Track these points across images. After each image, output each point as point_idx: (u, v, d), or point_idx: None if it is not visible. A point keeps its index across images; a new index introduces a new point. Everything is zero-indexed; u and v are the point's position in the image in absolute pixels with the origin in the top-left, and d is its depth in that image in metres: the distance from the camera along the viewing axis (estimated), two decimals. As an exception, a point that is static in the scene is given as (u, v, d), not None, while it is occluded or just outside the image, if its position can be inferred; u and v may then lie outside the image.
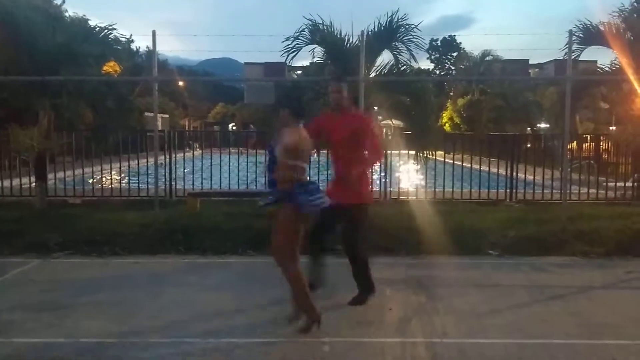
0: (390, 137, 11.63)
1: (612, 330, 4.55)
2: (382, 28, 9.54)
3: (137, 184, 11.88)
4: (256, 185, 11.21)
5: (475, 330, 4.54)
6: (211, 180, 11.11)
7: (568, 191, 9.58)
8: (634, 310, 5.13)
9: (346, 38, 9.68)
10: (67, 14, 13.86)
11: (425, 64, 56.43)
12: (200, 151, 13.38)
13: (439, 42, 60.38)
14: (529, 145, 14.88)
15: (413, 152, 10.49)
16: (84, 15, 11.84)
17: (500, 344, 4.26)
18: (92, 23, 10.55)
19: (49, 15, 10.56)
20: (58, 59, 9.27)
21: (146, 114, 22.02)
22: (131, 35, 11.83)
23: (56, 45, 9.31)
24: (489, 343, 4.27)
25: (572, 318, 4.83)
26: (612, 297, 5.58)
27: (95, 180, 11.67)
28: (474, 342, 4.27)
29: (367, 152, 5.07)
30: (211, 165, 11.47)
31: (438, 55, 61.01)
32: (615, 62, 10.86)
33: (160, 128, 11.57)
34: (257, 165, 11.62)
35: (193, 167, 11.38)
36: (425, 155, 10.23)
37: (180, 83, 44.06)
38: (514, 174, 11.24)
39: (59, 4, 22.19)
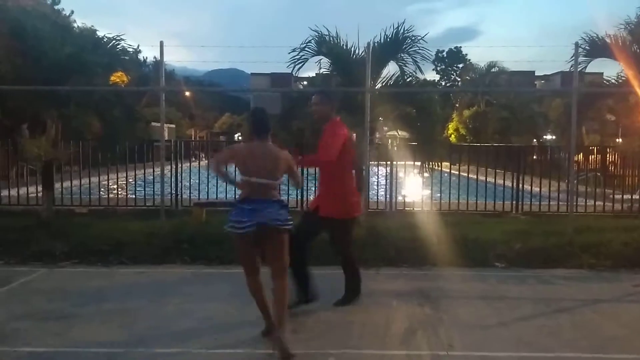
0: (395, 148, 11.63)
1: (619, 344, 4.52)
2: (388, 39, 9.57)
3: (143, 194, 11.90)
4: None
5: (482, 343, 4.51)
6: (217, 190, 11.13)
7: (574, 203, 9.54)
8: (642, 323, 5.09)
9: (352, 49, 9.72)
10: (75, 25, 13.97)
11: (431, 75, 56.56)
12: (207, 161, 13.42)
13: (444, 53, 60.55)
14: (535, 157, 14.87)
15: (419, 163, 10.49)
16: (92, 25, 11.93)
17: (507, 357, 4.23)
18: (100, 33, 10.61)
19: (58, 26, 10.64)
20: (66, 69, 9.32)
21: (153, 123, 22.09)
22: (139, 45, 11.98)
23: (64, 55, 9.37)
24: (495, 356, 4.24)
25: (579, 331, 4.80)
26: (620, 310, 5.54)
27: (109, 187, 11.70)
28: (480, 355, 4.25)
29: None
30: (217, 175, 11.50)
31: (444, 67, 61.13)
32: (622, 75, 10.86)
33: (166, 138, 11.61)
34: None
35: (199, 177, 11.40)
36: (430, 166, 10.23)
37: (187, 93, 44.18)
38: (520, 185, 11.22)
39: (67, 14, 22.47)
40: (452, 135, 37.52)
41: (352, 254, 5.46)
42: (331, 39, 9.60)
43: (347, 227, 5.30)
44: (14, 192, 10.85)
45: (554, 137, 32.18)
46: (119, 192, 12.25)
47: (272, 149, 4.44)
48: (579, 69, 9.38)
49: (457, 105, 39.94)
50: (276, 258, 4.39)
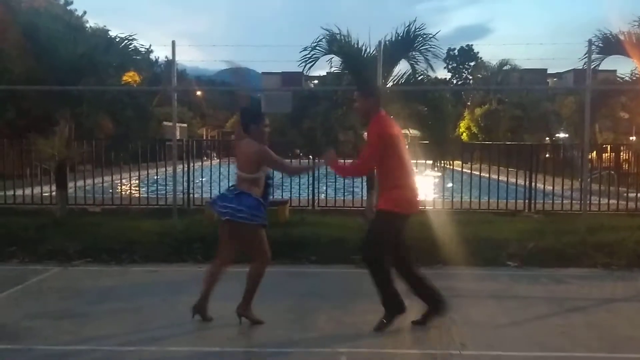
0: (407, 147, 11.58)
1: (634, 344, 4.47)
2: (400, 38, 9.55)
3: (155, 193, 11.97)
4: (273, 195, 11.22)
5: (494, 342, 4.49)
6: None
7: (588, 202, 9.46)
8: (657, 323, 5.04)
9: (363, 48, 9.69)
10: (88, 25, 14.09)
11: (443, 73, 56.17)
12: (218, 160, 13.45)
13: (456, 51, 60.21)
14: (547, 155, 14.76)
15: (430, 162, 10.46)
16: (105, 26, 12.02)
17: (520, 357, 4.21)
18: (112, 34, 10.73)
19: (70, 26, 10.75)
20: (79, 69, 9.40)
21: (165, 123, 22.22)
22: (150, 45, 12.05)
23: (77, 56, 9.45)
24: (507, 355, 4.22)
25: (592, 331, 4.76)
26: (634, 309, 5.49)
27: (121, 186, 11.77)
28: (493, 354, 4.23)
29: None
30: (229, 174, 11.52)
31: (455, 65, 60.83)
32: (635, 72, 10.74)
33: (178, 137, 11.66)
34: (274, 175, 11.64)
35: (211, 176, 11.44)
36: (442, 164, 10.19)
37: (199, 93, 44.32)
38: (533, 184, 11.14)
39: (80, 15, 22.62)
40: (464, 134, 37.41)
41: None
42: (342, 37, 9.59)
43: (384, 219, 4.77)
44: (27, 191, 10.95)
45: (567, 135, 31.93)
46: (132, 191, 12.32)
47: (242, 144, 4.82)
48: (592, 67, 9.31)
49: (469, 103, 39.82)
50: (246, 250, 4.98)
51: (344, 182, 10.23)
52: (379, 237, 4.75)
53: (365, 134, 5.09)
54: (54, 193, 10.31)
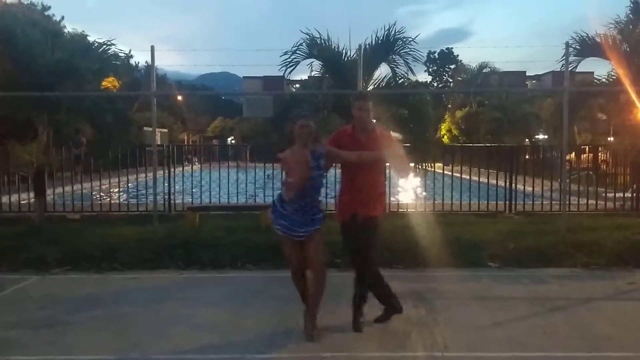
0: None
1: (613, 343, 4.52)
2: (380, 41, 9.59)
3: (135, 199, 11.86)
4: (255, 200, 11.20)
5: (477, 343, 4.51)
6: (210, 194, 11.10)
7: (567, 202, 9.57)
8: (635, 321, 5.10)
9: (344, 52, 9.73)
10: (66, 30, 13.90)
11: (423, 76, 56.47)
12: (199, 165, 13.38)
13: (436, 54, 60.63)
14: (527, 157, 14.91)
15: (412, 164, 10.50)
16: (83, 31, 11.86)
17: (502, 357, 4.23)
18: (91, 39, 10.57)
19: (48, 31, 10.58)
20: (57, 75, 9.29)
21: (145, 128, 22.03)
22: (130, 50, 11.85)
23: (55, 61, 9.34)
24: (490, 356, 4.24)
25: (573, 330, 4.81)
26: (613, 308, 5.55)
27: (101, 193, 11.63)
28: (475, 355, 4.25)
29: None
30: (210, 179, 11.46)
31: (435, 68, 61.18)
32: (612, 73, 10.92)
33: (158, 142, 11.59)
34: (257, 179, 11.61)
35: (192, 181, 11.37)
36: (423, 167, 10.24)
37: (179, 97, 44.19)
38: (513, 185, 11.24)
39: (58, 20, 22.40)
40: (445, 136, 37.59)
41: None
42: (322, 41, 9.61)
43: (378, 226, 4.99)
44: (5, 198, 10.79)
45: (546, 136, 32.28)
46: (112, 198, 12.20)
47: None
48: (569, 69, 9.43)
49: (450, 106, 40.03)
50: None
51: (326, 186, 10.20)
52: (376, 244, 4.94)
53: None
54: (32, 200, 10.16)
